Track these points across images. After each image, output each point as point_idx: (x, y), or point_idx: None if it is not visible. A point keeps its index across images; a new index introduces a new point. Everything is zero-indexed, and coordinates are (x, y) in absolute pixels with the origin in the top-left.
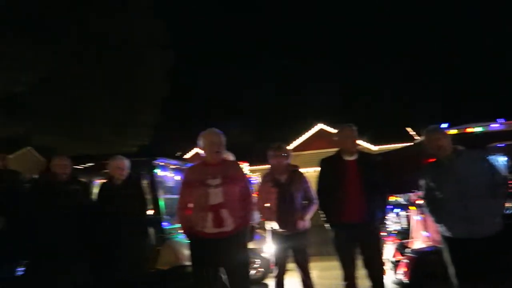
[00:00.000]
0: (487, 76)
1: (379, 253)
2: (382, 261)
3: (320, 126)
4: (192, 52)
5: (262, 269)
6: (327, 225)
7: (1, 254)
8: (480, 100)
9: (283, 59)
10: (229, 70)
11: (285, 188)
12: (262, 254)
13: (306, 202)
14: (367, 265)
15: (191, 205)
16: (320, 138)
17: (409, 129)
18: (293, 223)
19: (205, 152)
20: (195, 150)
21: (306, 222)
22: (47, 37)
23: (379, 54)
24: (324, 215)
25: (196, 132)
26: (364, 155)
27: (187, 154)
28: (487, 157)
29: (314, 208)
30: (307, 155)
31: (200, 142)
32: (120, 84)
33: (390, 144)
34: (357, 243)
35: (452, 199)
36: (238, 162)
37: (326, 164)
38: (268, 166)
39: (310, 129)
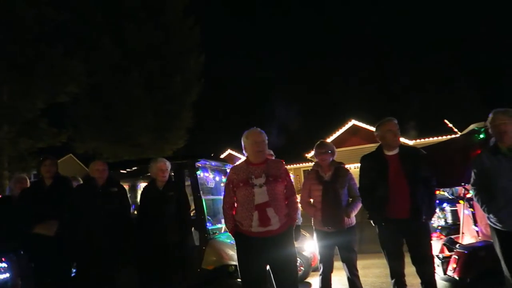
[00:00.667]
0: None
1: (429, 249)
2: (432, 257)
3: (353, 122)
4: (222, 52)
5: (303, 268)
6: (371, 222)
7: (56, 257)
8: None
9: (315, 56)
10: (259, 69)
11: (329, 185)
12: (303, 253)
13: (351, 199)
14: (416, 262)
15: (236, 204)
16: (354, 135)
17: (446, 122)
18: (339, 220)
19: (247, 151)
20: (228, 151)
21: (352, 219)
22: (88, 48)
23: (413, 48)
24: (368, 212)
25: (227, 133)
26: (406, 149)
27: (220, 155)
28: None
29: (359, 204)
30: (341, 152)
31: (243, 141)
32: (157, 89)
33: (428, 137)
34: (403, 239)
35: (508, 190)
36: (281, 161)
37: (367, 160)
38: (300, 165)
39: (343, 125)
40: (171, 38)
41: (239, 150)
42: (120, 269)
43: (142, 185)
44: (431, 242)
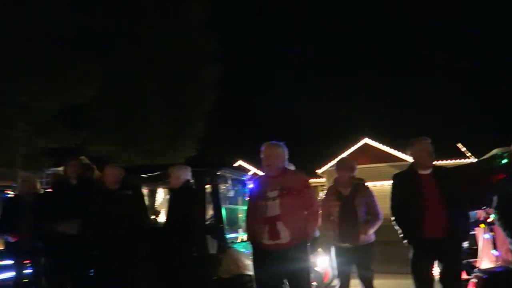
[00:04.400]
0: None
1: (460, 270)
2: (461, 277)
3: (365, 140)
4: (237, 65)
5: (315, 283)
6: (404, 242)
7: (77, 256)
8: None
9: (328, 73)
10: (274, 85)
11: (347, 201)
12: (316, 268)
13: (369, 216)
14: (445, 282)
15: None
16: (365, 153)
17: (460, 145)
18: (354, 236)
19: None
20: (239, 162)
21: (370, 236)
22: (104, 52)
23: (427, 69)
24: (401, 231)
25: (240, 144)
26: (440, 168)
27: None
28: None
29: (378, 223)
30: None
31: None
32: (172, 96)
33: (441, 160)
34: (435, 259)
35: None
36: (302, 173)
37: (399, 179)
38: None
39: (354, 144)
40: (188, 45)
41: (251, 162)
42: (137, 273)
43: (160, 190)
44: (462, 263)
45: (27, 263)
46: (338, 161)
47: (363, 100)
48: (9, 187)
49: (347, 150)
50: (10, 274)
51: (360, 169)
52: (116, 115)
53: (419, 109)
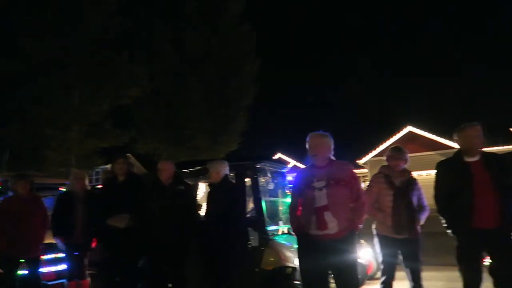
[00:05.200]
0: None
1: None
2: None
3: (409, 128)
4: (277, 57)
5: (359, 276)
6: (448, 232)
7: (126, 248)
8: None
9: (368, 60)
10: (313, 74)
11: (401, 192)
12: (359, 260)
13: (417, 208)
14: (496, 275)
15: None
16: (409, 142)
17: None
18: (409, 228)
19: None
20: (279, 155)
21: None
22: (149, 53)
23: (472, 54)
24: (446, 222)
25: (278, 137)
26: (489, 154)
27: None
28: None
29: (427, 214)
30: None
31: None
32: (214, 93)
33: (491, 146)
34: (485, 250)
35: None
36: (348, 163)
37: (445, 167)
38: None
39: (398, 132)
40: (228, 43)
41: (290, 154)
42: (187, 266)
43: (201, 184)
44: None
45: (79, 256)
46: (396, 149)
47: (404, 87)
48: (62, 185)
49: (389, 139)
50: (65, 266)
51: None
52: (162, 113)
53: (464, 93)
